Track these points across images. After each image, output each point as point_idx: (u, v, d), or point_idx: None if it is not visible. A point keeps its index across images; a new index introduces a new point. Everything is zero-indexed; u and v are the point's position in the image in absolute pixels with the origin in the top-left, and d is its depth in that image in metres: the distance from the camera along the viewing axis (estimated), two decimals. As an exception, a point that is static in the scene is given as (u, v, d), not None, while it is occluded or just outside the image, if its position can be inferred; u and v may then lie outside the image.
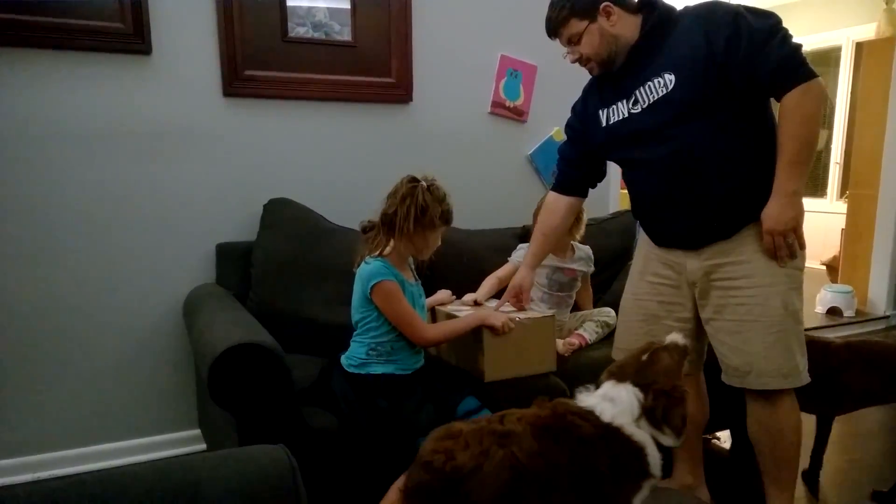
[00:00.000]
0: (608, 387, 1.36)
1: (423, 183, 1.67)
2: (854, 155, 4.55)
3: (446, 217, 1.70)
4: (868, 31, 5.05)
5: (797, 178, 1.48)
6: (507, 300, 1.91)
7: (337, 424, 1.62)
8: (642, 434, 1.33)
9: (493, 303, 2.03)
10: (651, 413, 1.34)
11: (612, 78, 1.66)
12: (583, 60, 1.65)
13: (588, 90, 1.81)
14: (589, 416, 1.27)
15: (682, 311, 1.71)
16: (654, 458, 1.33)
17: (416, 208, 1.63)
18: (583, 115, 1.80)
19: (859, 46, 5.29)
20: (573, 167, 1.87)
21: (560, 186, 1.91)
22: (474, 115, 2.60)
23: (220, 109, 2.17)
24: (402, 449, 1.53)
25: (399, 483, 1.37)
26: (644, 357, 1.40)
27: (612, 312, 2.14)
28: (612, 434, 1.26)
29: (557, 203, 1.90)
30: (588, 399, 1.34)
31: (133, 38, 2.00)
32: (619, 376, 1.40)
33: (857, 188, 4.43)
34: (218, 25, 2.11)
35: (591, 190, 1.91)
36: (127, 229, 2.10)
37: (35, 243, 2.00)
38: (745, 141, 1.53)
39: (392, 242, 1.68)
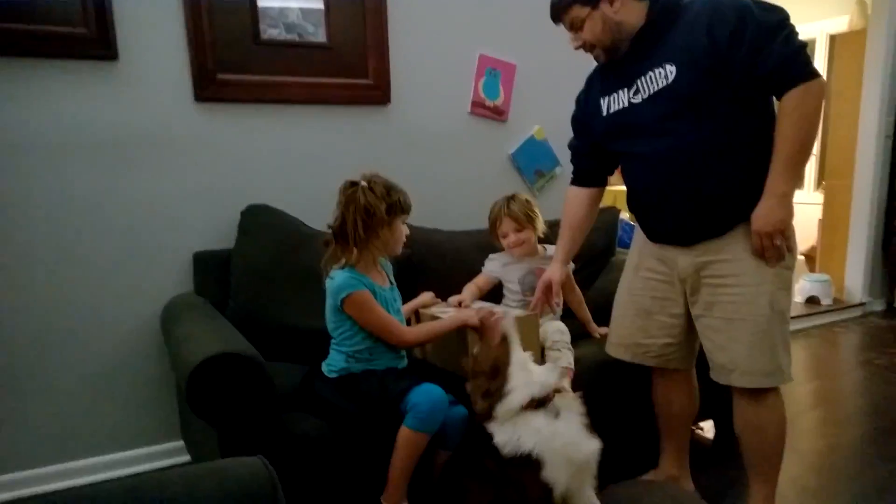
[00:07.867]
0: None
1: (363, 183, 1.63)
2: (829, 146, 4.61)
3: (398, 207, 1.64)
4: (841, 23, 5.12)
5: (789, 180, 1.47)
6: (538, 297, 1.87)
7: (321, 428, 1.59)
8: None
9: (478, 304, 2.01)
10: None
11: (614, 65, 1.64)
12: (587, 47, 1.62)
13: (591, 79, 1.79)
14: None
15: (674, 306, 1.71)
16: None
17: (360, 212, 1.59)
18: (585, 105, 1.78)
19: (833, 39, 5.37)
20: (585, 159, 1.85)
21: (577, 180, 1.89)
22: (454, 115, 2.58)
23: (192, 115, 2.13)
24: (392, 426, 1.54)
25: None
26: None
27: (555, 326, 2.01)
28: None
29: (579, 196, 1.87)
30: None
31: (98, 44, 1.95)
32: None
33: (833, 178, 4.49)
34: (187, 29, 2.06)
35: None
36: (100, 240, 2.05)
37: (4, 256, 1.94)
38: (742, 139, 1.51)
39: (353, 252, 1.64)
